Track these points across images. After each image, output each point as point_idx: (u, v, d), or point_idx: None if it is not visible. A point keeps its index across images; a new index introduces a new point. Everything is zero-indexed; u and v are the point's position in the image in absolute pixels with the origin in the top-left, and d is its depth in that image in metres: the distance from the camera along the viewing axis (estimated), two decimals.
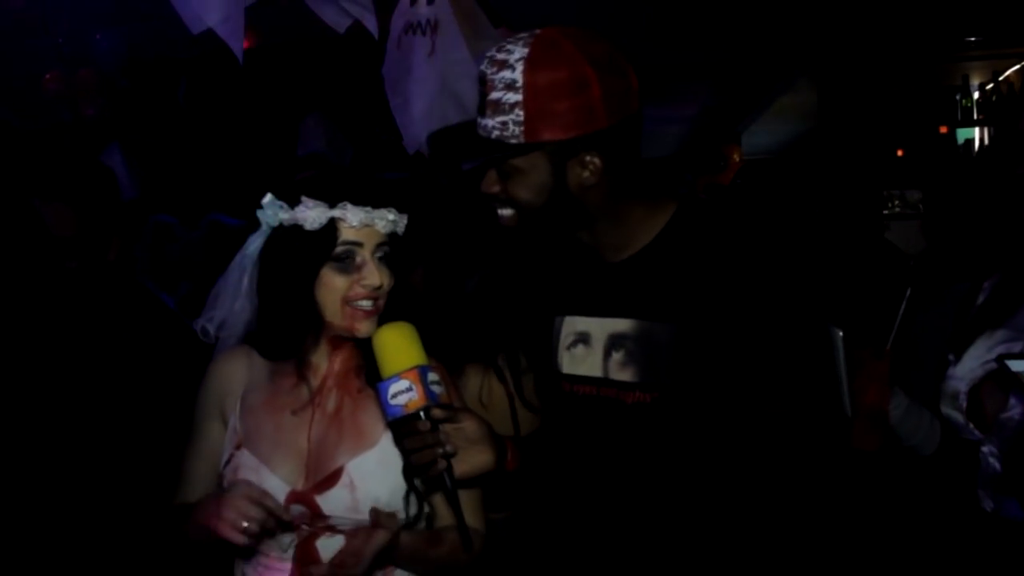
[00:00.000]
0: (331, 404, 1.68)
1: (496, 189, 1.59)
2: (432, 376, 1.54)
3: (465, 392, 2.02)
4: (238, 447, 1.65)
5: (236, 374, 1.71)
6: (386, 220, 1.64)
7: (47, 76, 5.49)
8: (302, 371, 1.69)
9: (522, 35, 1.54)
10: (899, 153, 6.32)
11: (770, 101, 7.23)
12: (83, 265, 2.29)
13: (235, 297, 1.72)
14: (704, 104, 8.02)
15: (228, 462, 1.65)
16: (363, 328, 1.63)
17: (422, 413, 1.52)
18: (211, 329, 1.74)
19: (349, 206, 1.61)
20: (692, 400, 1.53)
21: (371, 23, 2.64)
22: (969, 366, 1.66)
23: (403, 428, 1.54)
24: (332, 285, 1.61)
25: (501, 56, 1.52)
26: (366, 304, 1.62)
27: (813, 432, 1.54)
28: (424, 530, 1.66)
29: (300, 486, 1.61)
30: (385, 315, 1.64)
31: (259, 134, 5.80)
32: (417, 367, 1.53)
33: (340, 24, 2.71)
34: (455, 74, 2.83)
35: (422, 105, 2.87)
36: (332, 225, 1.61)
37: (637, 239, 1.61)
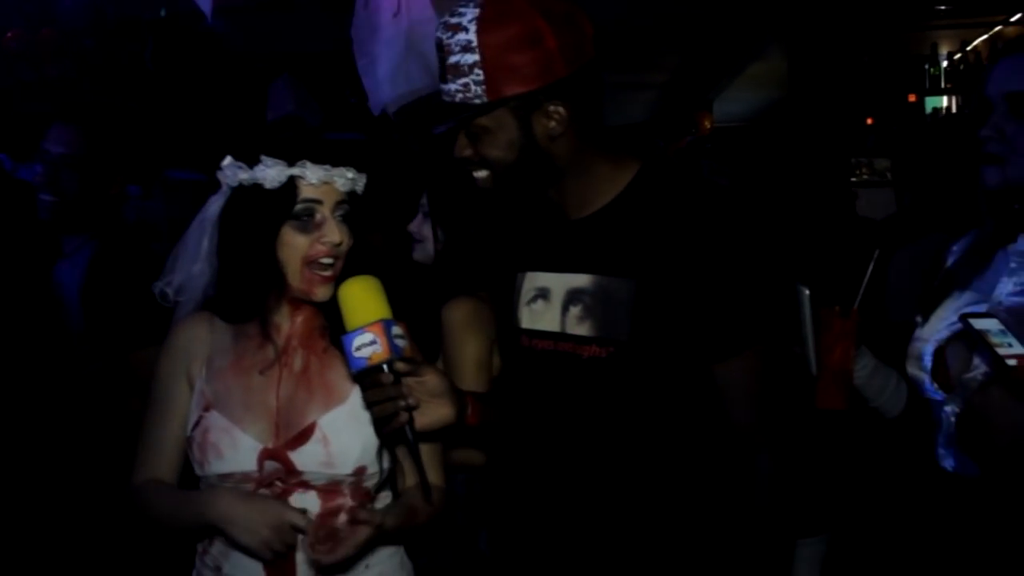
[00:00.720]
0: (298, 363, 1.68)
1: (468, 152, 1.60)
2: (396, 329, 1.55)
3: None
4: (207, 409, 1.64)
5: (199, 338, 1.70)
6: (345, 178, 1.64)
7: (8, 34, 5.38)
8: (266, 331, 1.68)
9: None
10: (868, 121, 6.38)
11: (741, 68, 7.26)
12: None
13: (194, 260, 1.71)
14: (674, 70, 8.02)
15: (197, 424, 1.64)
16: (320, 292, 1.63)
17: (385, 366, 1.52)
18: (170, 293, 1.73)
19: (308, 164, 1.61)
20: (648, 356, 1.56)
21: None
22: (935, 327, 1.68)
23: (366, 380, 1.55)
24: (293, 244, 1.61)
25: (454, 20, 1.53)
26: (326, 262, 1.62)
27: (765, 393, 1.59)
28: (400, 506, 1.68)
29: (272, 444, 1.62)
30: (344, 277, 1.63)
31: (228, 97, 5.72)
32: (381, 320, 1.53)
33: None
34: (420, 34, 2.78)
35: (387, 66, 2.84)
36: (292, 183, 1.61)
37: (600, 196, 1.63)
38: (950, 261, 1.77)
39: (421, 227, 2.38)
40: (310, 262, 1.62)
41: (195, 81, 5.53)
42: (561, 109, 1.54)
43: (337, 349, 1.62)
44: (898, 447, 2.04)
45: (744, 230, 1.57)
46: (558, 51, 1.51)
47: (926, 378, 1.67)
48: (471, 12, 1.52)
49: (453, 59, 1.54)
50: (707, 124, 8.66)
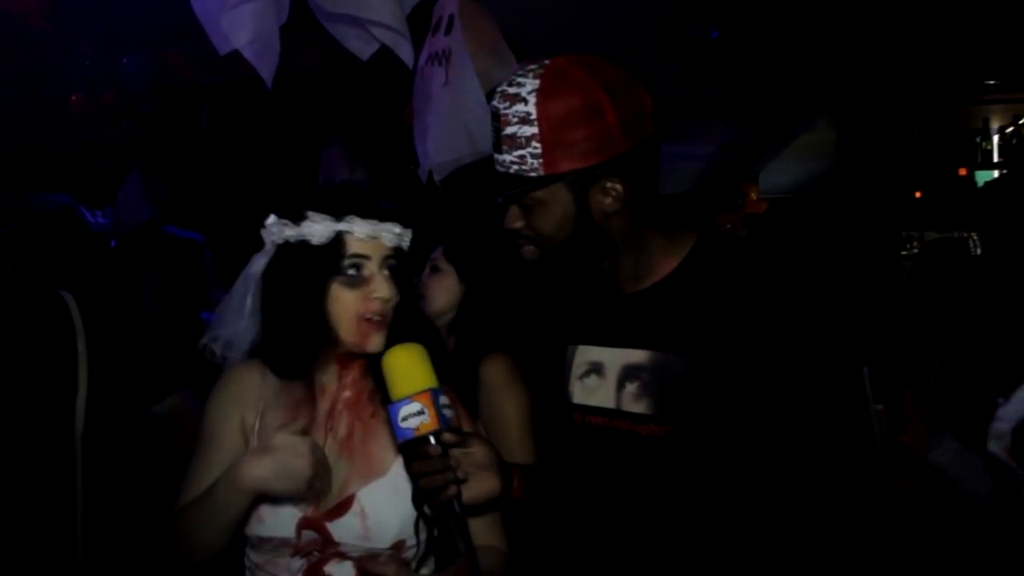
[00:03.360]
0: (342, 429, 1.65)
1: (519, 224, 1.57)
2: (444, 399, 1.52)
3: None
4: None
5: (253, 385, 1.68)
6: (392, 233, 1.63)
7: (72, 98, 5.56)
8: (311, 392, 1.66)
9: (531, 66, 1.53)
10: (917, 195, 6.31)
11: (789, 140, 7.24)
12: None
13: (239, 317, 1.70)
14: (722, 142, 8.04)
15: None
16: (374, 342, 1.61)
17: (432, 437, 1.49)
18: (217, 349, 1.72)
19: (356, 219, 1.60)
20: (708, 435, 1.50)
21: (406, 52, 2.62)
22: (1015, 407, 1.64)
23: (413, 452, 1.51)
24: (343, 300, 1.59)
25: (512, 90, 1.51)
26: (376, 318, 1.61)
27: (843, 472, 1.49)
28: (450, 570, 1.64)
29: (311, 512, 1.58)
30: (392, 332, 1.62)
31: (280, 160, 5.83)
32: (429, 390, 1.50)
33: (363, 52, 2.72)
34: (464, 104, 2.82)
35: (435, 134, 2.88)
36: (339, 239, 1.60)
37: (657, 269, 1.59)
38: None
39: (428, 282, 2.33)
40: (361, 317, 1.60)
41: (248, 144, 5.66)
42: (619, 186, 1.51)
43: (386, 413, 1.60)
44: (981, 531, 1.95)
45: (808, 304, 1.51)
46: (617, 125, 1.48)
47: (1007, 457, 1.62)
48: (531, 83, 1.50)
49: (510, 130, 1.51)
50: (753, 196, 8.63)
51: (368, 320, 1.60)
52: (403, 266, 1.67)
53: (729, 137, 7.85)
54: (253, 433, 1.66)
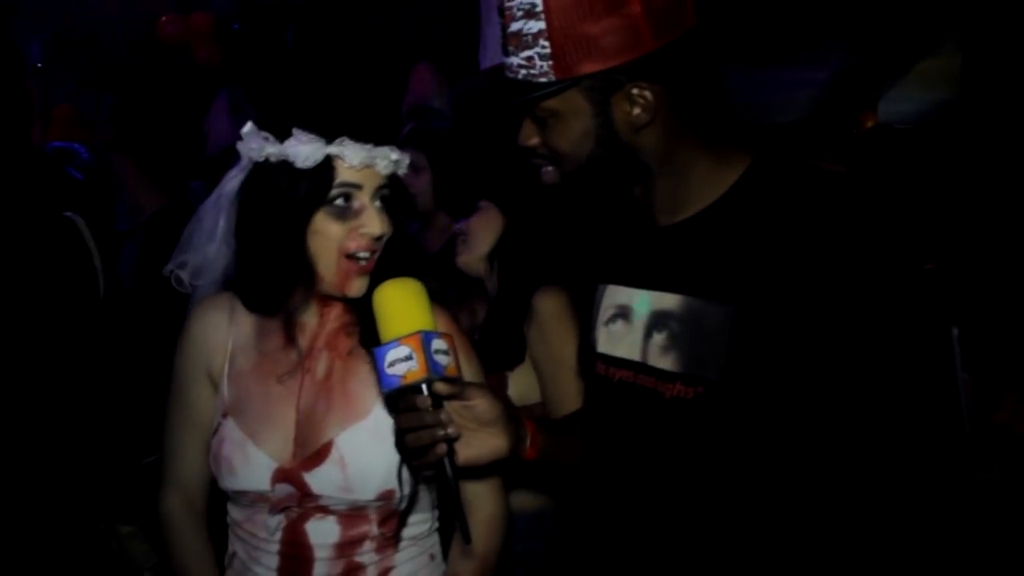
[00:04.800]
0: (321, 368, 1.50)
1: (534, 141, 1.34)
2: (438, 343, 1.33)
3: None
4: (224, 415, 1.50)
5: (220, 328, 1.54)
6: (388, 160, 1.45)
7: (162, 19, 5.55)
8: (289, 330, 1.50)
9: None
10: None
11: (910, 65, 6.71)
12: None
13: (210, 240, 1.53)
14: (837, 67, 7.53)
15: (216, 431, 1.50)
16: (355, 286, 1.44)
17: (424, 386, 1.31)
18: (184, 276, 1.57)
19: (348, 142, 1.41)
20: (745, 401, 1.25)
21: None
22: None
23: (399, 403, 1.33)
24: (327, 233, 1.42)
25: None
26: (363, 254, 1.43)
27: (918, 454, 1.22)
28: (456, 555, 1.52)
29: (287, 462, 1.45)
30: (380, 270, 1.44)
31: (367, 81, 5.71)
32: (420, 332, 1.32)
33: None
34: None
35: (490, 51, 2.66)
36: (328, 163, 1.41)
37: (698, 198, 1.33)
38: None
39: (470, 223, 2.18)
40: (347, 254, 1.43)
41: (335, 65, 5.55)
42: (647, 92, 1.25)
43: (365, 351, 1.44)
44: None
45: (886, 247, 1.22)
46: (644, 16, 1.21)
47: None
48: None
49: (515, 26, 1.26)
50: (870, 125, 8.12)
51: (353, 259, 1.43)
52: (396, 197, 1.48)
53: (845, 62, 7.33)
54: (223, 377, 1.52)
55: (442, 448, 1.30)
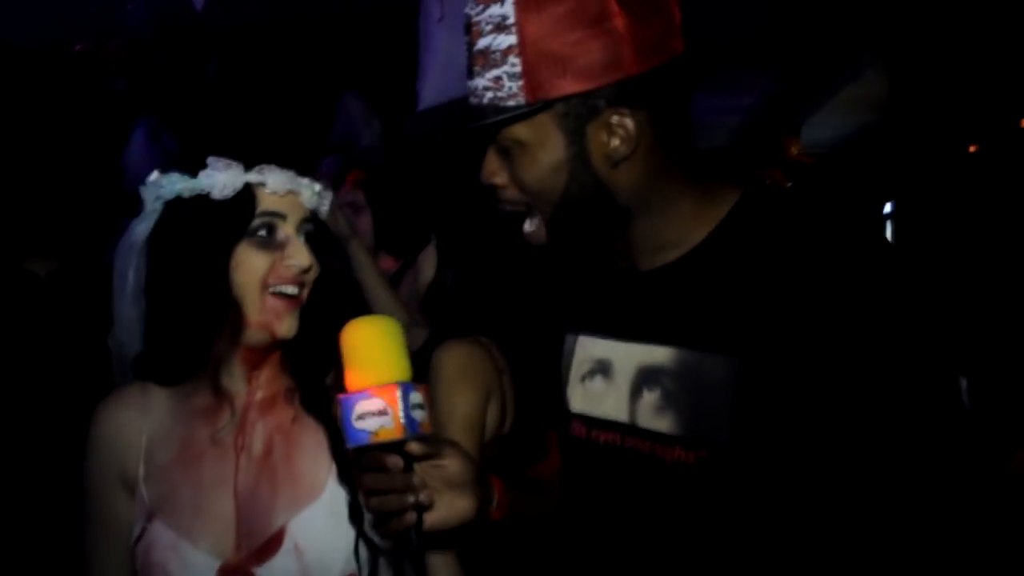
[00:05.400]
0: (258, 444, 1.34)
1: (499, 180, 1.21)
2: (415, 397, 1.18)
3: None
4: (150, 519, 1.32)
5: (129, 424, 1.36)
6: (312, 191, 1.33)
7: (76, 47, 5.33)
8: (216, 402, 1.34)
9: None
10: (971, 148, 5.89)
11: (835, 91, 6.83)
12: None
13: (122, 300, 1.37)
14: (763, 92, 7.63)
15: (139, 539, 1.32)
16: (284, 325, 1.30)
17: (395, 447, 1.17)
18: (114, 350, 1.40)
19: (270, 168, 1.29)
20: (755, 460, 1.13)
21: None
22: None
23: (365, 461, 1.19)
24: (250, 265, 1.28)
25: None
26: (290, 290, 1.29)
27: (943, 508, 1.10)
28: None
29: (231, 558, 1.28)
30: (313, 310, 1.32)
31: (291, 111, 5.55)
32: (398, 383, 1.17)
33: None
34: (458, 42, 2.49)
35: (429, 76, 2.56)
36: (248, 192, 1.29)
37: (684, 238, 1.20)
38: None
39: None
40: (272, 290, 1.28)
41: (256, 92, 5.38)
42: (628, 121, 1.12)
43: (310, 415, 1.29)
44: None
45: (897, 283, 1.11)
46: (629, 37, 1.09)
47: None
48: None
49: (483, 42, 1.14)
50: (794, 150, 8.23)
51: (279, 295, 1.29)
52: (322, 235, 1.35)
53: (770, 87, 7.43)
54: (139, 481, 1.33)
55: (412, 516, 1.16)
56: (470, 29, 1.17)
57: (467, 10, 1.18)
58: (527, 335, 1.48)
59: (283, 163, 1.31)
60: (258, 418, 1.35)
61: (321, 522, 1.29)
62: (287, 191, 1.30)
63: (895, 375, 1.08)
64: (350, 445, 1.18)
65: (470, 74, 1.18)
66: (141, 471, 1.34)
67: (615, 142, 1.14)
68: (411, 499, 1.16)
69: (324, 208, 1.37)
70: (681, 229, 1.21)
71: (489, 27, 1.13)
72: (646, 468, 1.21)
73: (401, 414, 1.16)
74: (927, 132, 5.47)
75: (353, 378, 1.19)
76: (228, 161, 1.28)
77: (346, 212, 2.42)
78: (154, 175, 1.32)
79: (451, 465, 1.22)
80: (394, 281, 2.50)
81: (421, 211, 2.23)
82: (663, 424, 1.19)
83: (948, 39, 5.37)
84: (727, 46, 5.72)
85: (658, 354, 1.20)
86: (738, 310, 1.14)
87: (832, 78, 6.72)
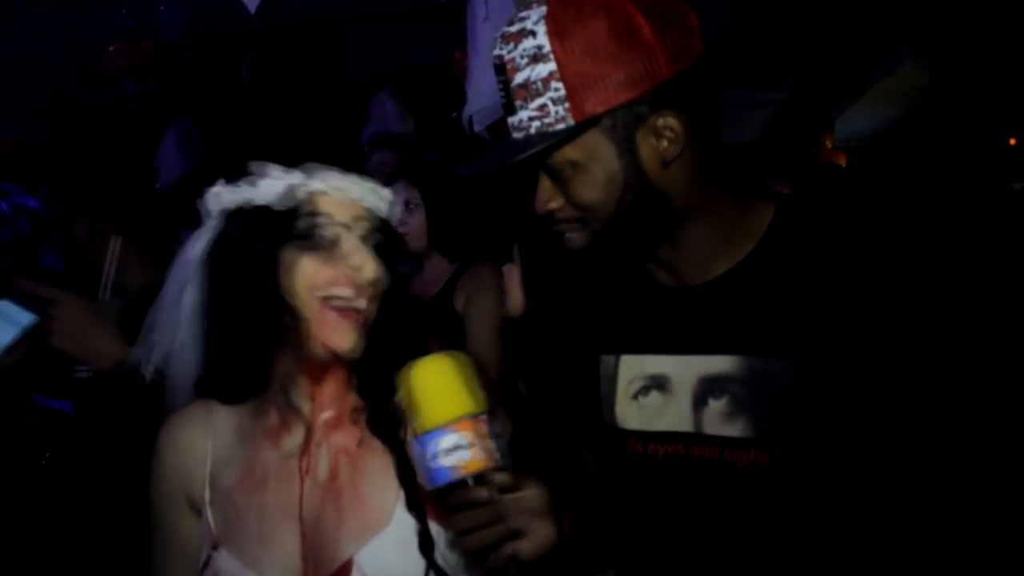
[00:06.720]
0: (322, 468, 1.28)
1: (554, 205, 1.22)
2: (496, 426, 1.16)
3: None
4: (215, 547, 1.28)
5: (195, 445, 1.32)
6: (376, 196, 1.28)
7: (110, 49, 5.35)
8: (281, 421, 1.29)
9: None
10: (1011, 142, 5.82)
11: (869, 84, 6.74)
12: None
13: (177, 322, 1.31)
14: (793, 86, 7.55)
15: (205, 566, 1.28)
16: (343, 338, 1.23)
17: (471, 479, 1.13)
18: (151, 365, 1.35)
19: (316, 167, 1.25)
20: (826, 457, 1.18)
21: None
22: None
23: (453, 500, 1.15)
24: (302, 270, 1.22)
25: (515, 27, 1.19)
26: (346, 293, 1.22)
27: (1009, 503, 1.14)
28: None
29: None
30: (381, 331, 1.26)
31: (326, 110, 5.55)
32: (480, 414, 1.14)
33: None
34: None
35: (476, 76, 2.55)
36: (310, 199, 1.24)
37: (733, 249, 1.25)
38: None
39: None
40: (327, 296, 1.22)
41: (291, 95, 5.38)
42: (673, 121, 1.17)
43: (376, 438, 1.24)
44: None
45: (950, 275, 1.16)
46: (658, 45, 1.14)
47: None
48: (536, 11, 1.16)
49: (520, 76, 1.16)
50: (828, 144, 8.15)
51: (334, 303, 1.23)
52: (392, 245, 1.30)
53: (802, 81, 7.36)
54: (205, 505, 1.30)
55: (508, 548, 1.14)
56: (504, 69, 1.20)
57: (497, 51, 1.21)
58: (553, 358, 1.47)
59: (342, 167, 1.28)
60: (323, 439, 1.30)
61: (390, 553, 1.23)
62: (337, 189, 1.25)
63: (953, 366, 1.13)
64: (434, 485, 1.14)
65: (510, 110, 1.21)
66: (207, 495, 1.30)
67: (664, 143, 1.19)
68: (502, 529, 1.14)
69: (393, 214, 1.33)
70: (729, 241, 1.26)
71: (525, 60, 1.17)
72: (716, 474, 1.24)
73: (491, 443, 1.15)
74: (968, 125, 5.40)
75: (427, 416, 1.15)
76: (271, 166, 1.25)
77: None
78: (216, 187, 1.28)
79: (532, 493, 1.19)
80: (447, 287, 2.44)
81: (478, 212, 2.18)
82: (734, 429, 1.23)
83: (989, 32, 5.29)
84: (761, 40, 5.68)
85: (721, 363, 1.24)
86: (797, 316, 1.19)
87: (866, 72, 6.63)
